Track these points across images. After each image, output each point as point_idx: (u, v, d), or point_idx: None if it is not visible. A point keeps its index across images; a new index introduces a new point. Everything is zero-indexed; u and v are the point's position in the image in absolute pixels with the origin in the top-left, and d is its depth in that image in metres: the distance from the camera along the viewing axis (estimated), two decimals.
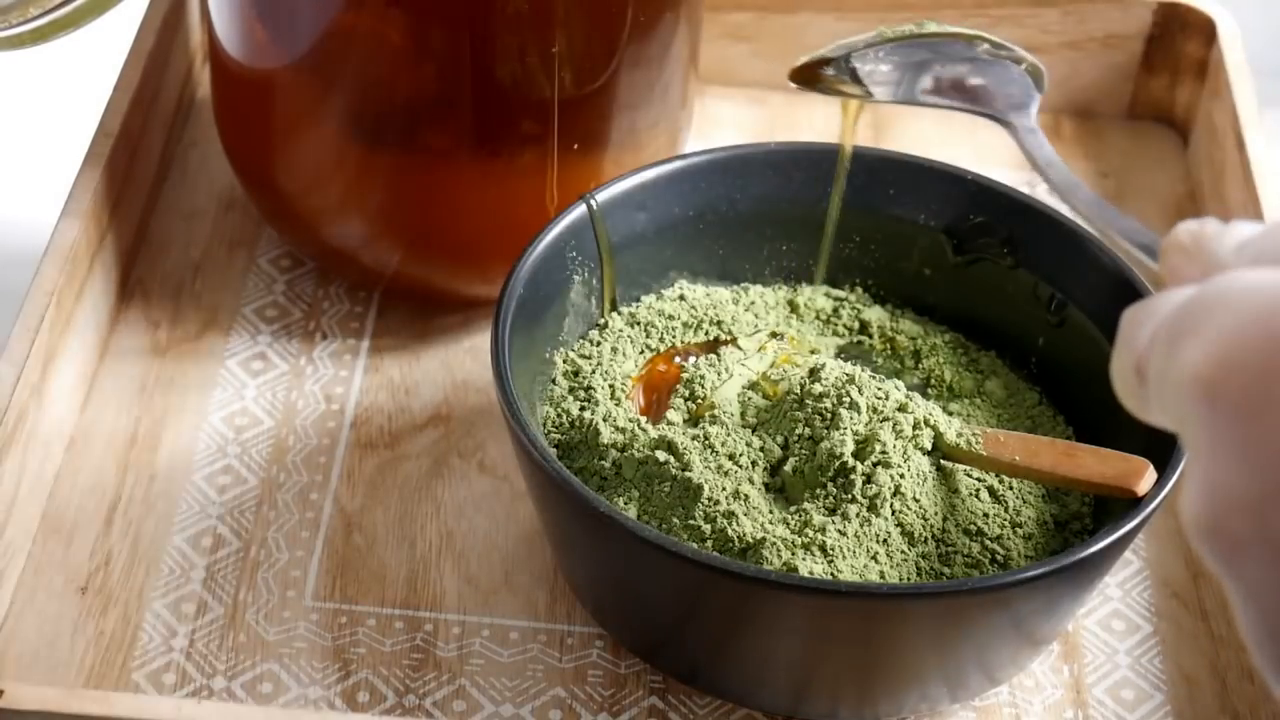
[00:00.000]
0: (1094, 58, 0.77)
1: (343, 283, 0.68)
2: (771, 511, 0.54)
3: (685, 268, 0.62)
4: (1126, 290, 0.57)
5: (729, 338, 0.61)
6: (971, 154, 0.75)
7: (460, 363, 0.66)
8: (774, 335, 0.61)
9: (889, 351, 0.62)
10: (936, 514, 0.54)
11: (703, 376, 0.59)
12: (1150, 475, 0.52)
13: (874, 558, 0.53)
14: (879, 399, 0.56)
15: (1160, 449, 0.53)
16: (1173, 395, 0.33)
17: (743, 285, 0.63)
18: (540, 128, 0.61)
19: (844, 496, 0.54)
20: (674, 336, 0.61)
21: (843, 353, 0.62)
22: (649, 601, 0.53)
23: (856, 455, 0.54)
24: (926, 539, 0.54)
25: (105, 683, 0.55)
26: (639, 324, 0.61)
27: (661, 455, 0.55)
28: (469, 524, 0.60)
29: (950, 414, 0.57)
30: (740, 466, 0.55)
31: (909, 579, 0.53)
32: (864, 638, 0.50)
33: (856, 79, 0.52)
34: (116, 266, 0.66)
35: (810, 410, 0.56)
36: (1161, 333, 0.34)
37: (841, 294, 0.63)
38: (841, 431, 0.55)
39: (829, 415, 0.55)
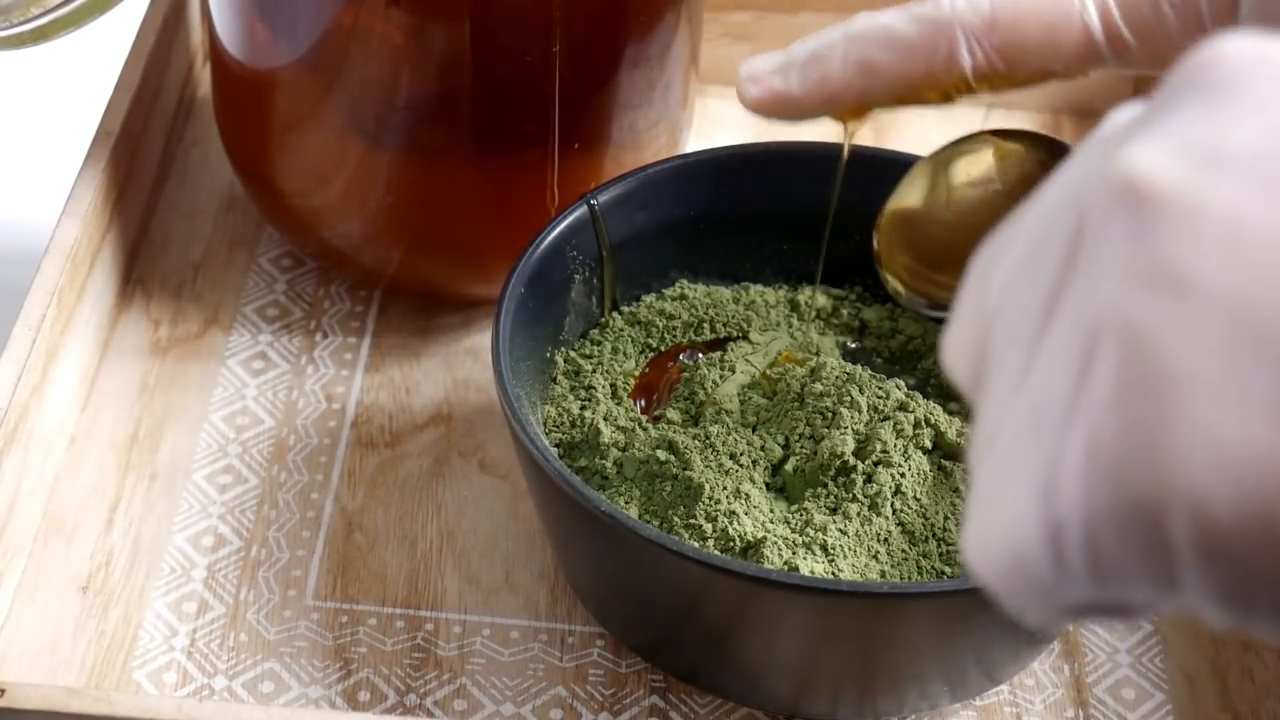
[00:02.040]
0: None
1: (343, 282, 0.68)
2: (772, 510, 0.54)
3: (686, 267, 0.63)
4: None
5: (740, 334, 0.61)
6: None
7: (461, 362, 0.66)
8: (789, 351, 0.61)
9: (889, 350, 0.62)
10: (937, 513, 0.54)
11: (703, 375, 0.59)
12: None
13: (875, 557, 0.53)
14: (879, 398, 0.56)
15: None
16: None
17: (743, 284, 0.63)
18: (541, 127, 0.61)
19: (845, 495, 0.54)
20: (674, 336, 0.61)
21: (844, 353, 0.62)
22: (650, 601, 0.53)
23: (857, 454, 0.54)
24: (927, 538, 0.54)
25: (106, 682, 0.55)
26: (640, 323, 0.61)
27: (662, 454, 0.55)
28: (470, 523, 0.60)
29: (950, 413, 0.57)
30: (741, 466, 0.55)
31: (910, 578, 0.53)
32: (865, 637, 0.51)
33: None
34: (117, 266, 0.66)
35: (811, 409, 0.56)
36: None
37: (841, 293, 0.63)
38: (842, 430, 0.55)
39: (829, 414, 0.55)
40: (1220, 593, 0.27)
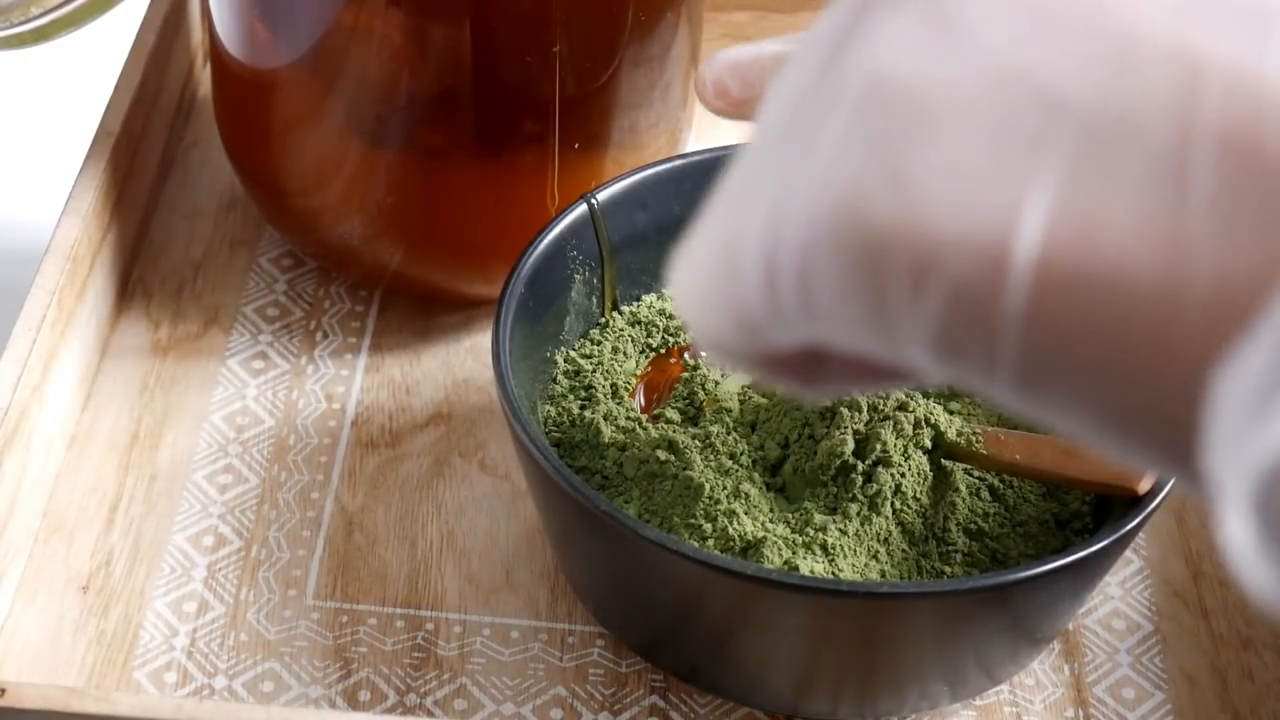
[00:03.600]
0: None
1: (344, 282, 0.68)
2: (772, 510, 0.54)
3: None
4: None
5: None
6: None
7: (461, 362, 0.66)
8: None
9: None
10: (937, 513, 0.54)
11: (704, 375, 0.59)
12: (1151, 474, 0.52)
13: (874, 556, 0.53)
14: (879, 397, 0.56)
15: None
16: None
17: None
18: (541, 127, 0.61)
19: (844, 495, 0.54)
20: (674, 336, 0.61)
21: None
22: (650, 600, 0.53)
23: (857, 454, 0.54)
24: (927, 538, 0.54)
25: (107, 682, 0.55)
26: (640, 323, 0.61)
27: (662, 454, 0.55)
28: (470, 523, 0.60)
29: (951, 413, 0.57)
30: (741, 465, 0.55)
31: (909, 578, 0.53)
32: (865, 636, 0.51)
33: None
34: (117, 266, 0.66)
35: (811, 409, 0.56)
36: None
37: None
38: (842, 430, 0.55)
39: (829, 414, 0.55)
40: (930, 333, 0.26)
